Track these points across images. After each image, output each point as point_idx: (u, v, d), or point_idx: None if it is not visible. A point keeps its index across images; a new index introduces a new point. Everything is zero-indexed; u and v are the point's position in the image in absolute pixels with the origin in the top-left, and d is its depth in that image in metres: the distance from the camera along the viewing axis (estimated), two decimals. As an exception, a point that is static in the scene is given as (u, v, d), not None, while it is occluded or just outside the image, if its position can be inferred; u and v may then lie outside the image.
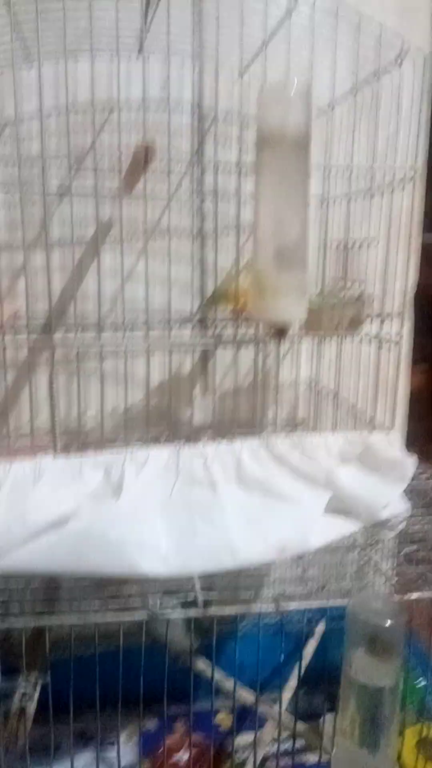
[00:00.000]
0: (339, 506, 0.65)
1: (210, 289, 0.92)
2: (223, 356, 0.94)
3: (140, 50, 0.79)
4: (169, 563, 0.55)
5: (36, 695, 0.55)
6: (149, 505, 0.60)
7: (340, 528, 0.63)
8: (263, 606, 0.53)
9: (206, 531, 0.59)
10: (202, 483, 0.62)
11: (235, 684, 0.64)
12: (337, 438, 0.67)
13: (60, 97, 0.78)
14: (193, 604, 0.53)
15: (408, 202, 0.79)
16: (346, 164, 0.74)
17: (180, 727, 0.84)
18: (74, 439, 0.77)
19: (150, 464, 0.62)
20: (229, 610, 0.53)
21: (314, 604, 0.53)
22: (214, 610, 0.52)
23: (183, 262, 0.88)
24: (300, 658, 0.71)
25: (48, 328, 0.69)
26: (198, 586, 0.54)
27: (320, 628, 0.84)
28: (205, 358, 0.95)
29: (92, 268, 0.87)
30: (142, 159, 0.60)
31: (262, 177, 0.58)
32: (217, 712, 0.86)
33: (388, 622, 0.49)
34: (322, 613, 0.81)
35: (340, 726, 0.51)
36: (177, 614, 0.51)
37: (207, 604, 0.53)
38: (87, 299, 0.85)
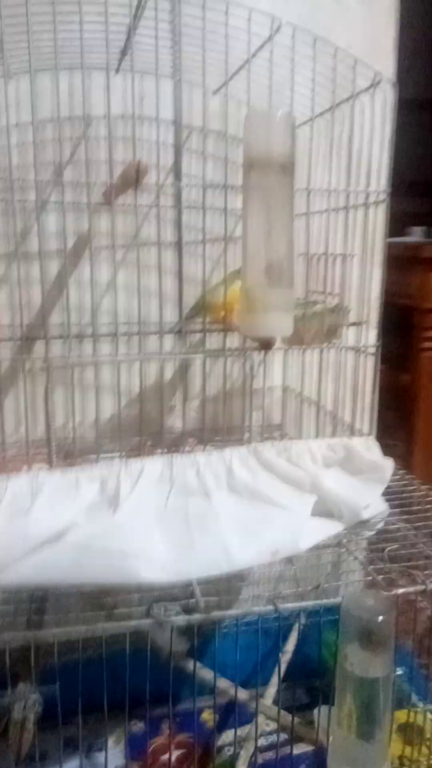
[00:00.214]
0: (323, 509, 0.68)
1: (188, 299, 0.94)
2: (201, 365, 0.97)
3: (118, 69, 0.81)
4: (169, 570, 0.57)
5: (38, 704, 0.56)
6: (146, 515, 0.62)
7: (327, 529, 0.67)
8: (262, 608, 0.55)
9: (202, 538, 0.61)
10: (195, 492, 0.65)
11: (236, 685, 0.67)
12: (320, 444, 0.70)
13: (42, 111, 0.79)
14: (194, 608, 0.55)
15: (379, 217, 0.84)
16: (322, 185, 0.78)
17: (166, 728, 0.86)
18: (62, 449, 0.78)
19: (144, 475, 0.64)
20: (230, 614, 0.56)
21: (309, 604, 0.56)
22: (216, 614, 0.54)
23: (162, 273, 0.90)
24: (298, 654, 0.74)
25: (44, 338, 0.70)
26: (198, 591, 0.56)
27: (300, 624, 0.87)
28: (185, 366, 0.98)
29: (71, 280, 0.88)
30: (134, 176, 0.61)
31: (249, 197, 0.61)
32: (201, 711, 0.89)
33: (380, 618, 0.53)
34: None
35: (337, 717, 0.55)
36: (181, 620, 0.53)
37: (207, 608, 0.55)
38: (65, 311, 0.86)
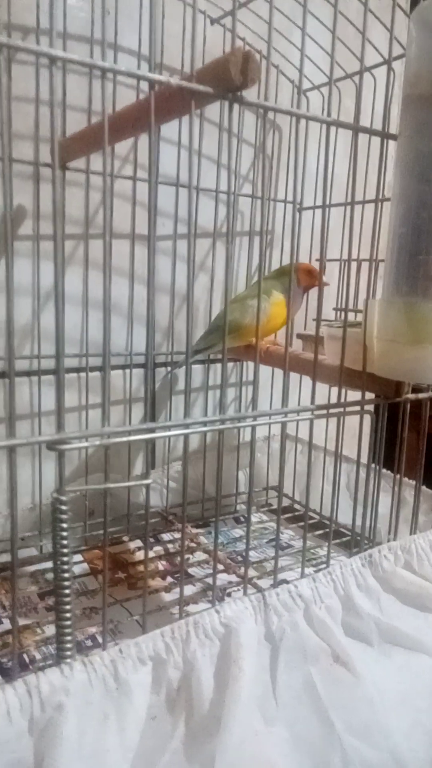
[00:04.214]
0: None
1: (162, 318, 0.65)
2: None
3: None
4: None
5: None
6: (248, 708, 0.34)
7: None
8: None
9: (350, 738, 0.34)
10: (315, 651, 0.37)
11: None
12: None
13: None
14: None
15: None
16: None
17: None
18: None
19: (225, 631, 0.35)
20: None
21: None
22: None
23: (123, 275, 0.60)
24: None
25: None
26: None
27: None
28: (153, 409, 0.68)
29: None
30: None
31: (414, 148, 0.36)
32: None
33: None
34: None
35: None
36: None
37: None
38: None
